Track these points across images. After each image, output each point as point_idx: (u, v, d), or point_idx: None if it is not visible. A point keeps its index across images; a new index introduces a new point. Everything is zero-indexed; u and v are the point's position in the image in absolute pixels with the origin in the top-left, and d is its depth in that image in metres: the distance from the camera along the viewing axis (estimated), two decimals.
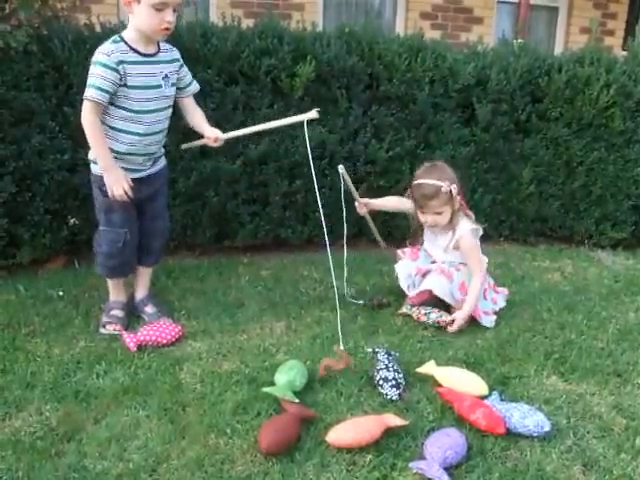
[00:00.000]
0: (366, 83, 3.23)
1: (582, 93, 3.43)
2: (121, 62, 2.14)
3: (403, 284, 2.73)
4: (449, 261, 2.66)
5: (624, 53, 3.76)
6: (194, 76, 2.91)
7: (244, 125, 3.08)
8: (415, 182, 2.59)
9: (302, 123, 2.44)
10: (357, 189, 2.80)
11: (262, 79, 3.04)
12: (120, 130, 2.24)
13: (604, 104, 3.41)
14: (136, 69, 2.19)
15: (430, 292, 2.80)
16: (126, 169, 2.29)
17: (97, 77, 2.12)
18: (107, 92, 2.14)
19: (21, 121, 2.74)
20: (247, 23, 3.22)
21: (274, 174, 3.17)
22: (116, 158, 2.26)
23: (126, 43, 2.18)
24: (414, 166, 3.32)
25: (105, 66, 2.12)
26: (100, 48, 2.17)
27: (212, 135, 2.46)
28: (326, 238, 2.41)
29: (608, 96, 3.39)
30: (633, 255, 3.62)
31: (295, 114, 3.14)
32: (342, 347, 2.29)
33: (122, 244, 2.38)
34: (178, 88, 2.40)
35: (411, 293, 2.69)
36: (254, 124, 3.08)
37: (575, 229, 3.70)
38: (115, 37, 2.20)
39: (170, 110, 2.38)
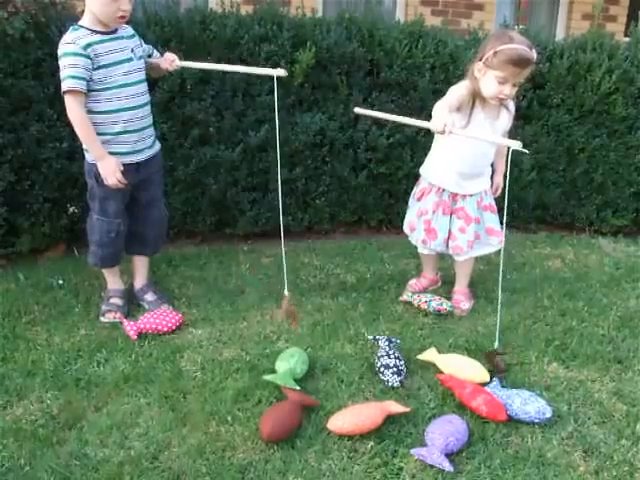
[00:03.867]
0: (366, 70, 3.21)
1: (584, 79, 3.40)
2: (88, 45, 2.13)
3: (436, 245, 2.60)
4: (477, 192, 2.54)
5: (626, 39, 3.73)
6: None
7: (243, 114, 3.07)
8: (508, 46, 2.22)
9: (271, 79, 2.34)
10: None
11: (262, 66, 3.00)
12: (112, 111, 2.22)
13: (606, 90, 3.39)
14: (104, 47, 2.18)
15: (431, 279, 2.81)
16: (124, 153, 2.28)
17: (68, 67, 2.10)
18: (83, 79, 2.12)
19: (19, 109, 2.72)
20: (246, 9, 3.19)
21: (274, 161, 3.15)
22: (110, 142, 2.24)
23: (86, 28, 2.16)
24: (415, 153, 3.32)
25: (74, 54, 2.10)
26: (63, 40, 2.14)
27: (169, 57, 2.41)
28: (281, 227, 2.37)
29: (610, 82, 3.36)
30: (634, 242, 3.61)
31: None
32: (287, 293, 2.27)
33: (115, 234, 2.37)
34: (147, 56, 2.41)
35: (438, 238, 2.56)
36: (254, 111, 3.08)
37: (576, 216, 3.68)
38: (73, 26, 2.18)
39: (146, 83, 2.36)
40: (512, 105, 2.48)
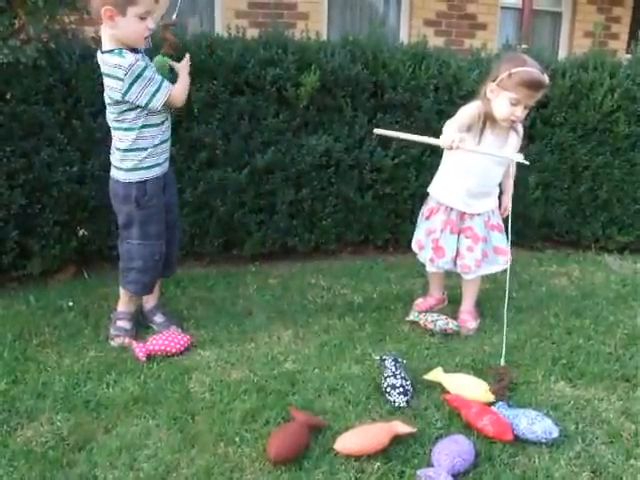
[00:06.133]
0: (371, 91, 3.25)
1: (586, 98, 3.43)
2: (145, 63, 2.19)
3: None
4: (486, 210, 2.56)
5: (629, 56, 3.77)
6: (200, 87, 2.96)
7: (250, 137, 3.11)
8: (523, 68, 2.27)
9: None
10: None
11: (267, 89, 3.06)
12: (158, 124, 2.27)
13: (608, 108, 3.42)
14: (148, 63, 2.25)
15: (438, 298, 2.82)
16: (160, 164, 2.33)
17: (152, 78, 2.15)
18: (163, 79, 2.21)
19: (30, 134, 2.78)
20: (252, 34, 3.25)
21: (281, 183, 3.19)
22: (149, 156, 2.28)
23: (126, 50, 2.16)
24: (420, 173, 3.35)
25: (145, 68, 2.14)
26: (125, 63, 2.11)
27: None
28: None
29: (612, 100, 3.40)
30: None
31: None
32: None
33: (159, 256, 2.39)
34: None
35: (446, 256, 2.57)
36: (261, 134, 3.12)
37: (582, 233, 3.69)
38: (115, 52, 2.15)
39: None
40: (521, 128, 2.51)
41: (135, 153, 2.28)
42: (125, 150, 2.28)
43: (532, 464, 1.82)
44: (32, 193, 2.81)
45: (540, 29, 6.30)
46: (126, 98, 2.16)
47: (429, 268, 2.76)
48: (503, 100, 2.32)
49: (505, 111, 2.33)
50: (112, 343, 2.42)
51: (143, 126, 2.25)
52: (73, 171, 2.85)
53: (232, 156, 3.11)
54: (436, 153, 3.37)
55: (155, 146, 2.30)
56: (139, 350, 2.30)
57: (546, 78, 2.32)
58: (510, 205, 2.66)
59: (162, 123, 2.31)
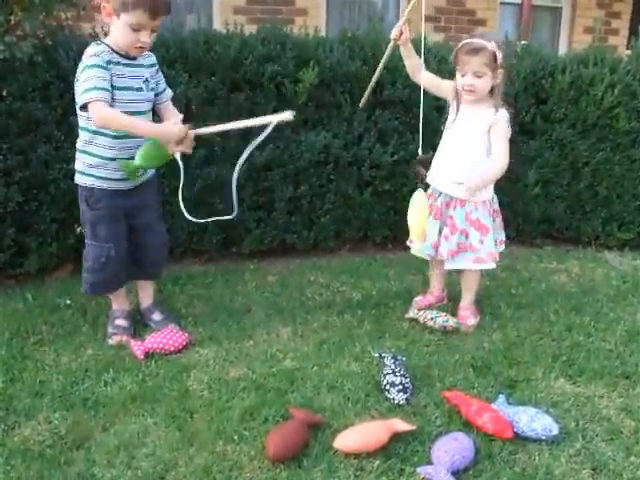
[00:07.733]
0: None
1: (586, 94, 3.42)
2: (109, 62, 2.13)
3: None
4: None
5: (629, 52, 3.75)
6: (198, 84, 2.95)
7: (248, 134, 3.08)
8: (462, 42, 2.50)
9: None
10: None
11: (266, 85, 3.05)
12: (113, 136, 2.19)
13: (609, 104, 3.40)
14: (120, 70, 2.17)
15: (437, 295, 2.81)
16: (114, 179, 2.26)
17: (93, 78, 2.07)
18: (107, 90, 2.09)
19: (27, 131, 2.76)
20: (250, 30, 3.23)
21: (279, 180, 3.18)
22: (99, 166, 2.23)
23: (108, 46, 2.16)
24: None
25: (97, 66, 2.09)
26: (87, 52, 2.13)
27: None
28: None
29: (612, 96, 3.38)
30: None
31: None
32: None
33: (105, 259, 2.32)
34: (155, 94, 2.35)
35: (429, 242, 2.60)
36: (259, 131, 3.09)
37: (582, 230, 3.68)
38: (96, 42, 2.18)
39: (150, 115, 2.33)
40: (503, 110, 2.53)
41: (84, 156, 2.25)
42: (78, 150, 2.28)
43: (532, 461, 1.82)
44: (29, 190, 2.79)
45: (540, 25, 6.29)
46: (75, 84, 2.14)
47: (413, 251, 2.73)
48: (457, 74, 2.53)
49: (459, 82, 2.51)
50: (110, 341, 2.41)
51: (96, 132, 2.19)
52: (70, 168, 2.78)
53: (230, 153, 3.09)
54: (435, 150, 3.36)
55: (107, 159, 2.22)
56: (137, 348, 2.29)
57: (484, 44, 2.41)
58: (472, 182, 2.45)
59: (116, 138, 2.19)
